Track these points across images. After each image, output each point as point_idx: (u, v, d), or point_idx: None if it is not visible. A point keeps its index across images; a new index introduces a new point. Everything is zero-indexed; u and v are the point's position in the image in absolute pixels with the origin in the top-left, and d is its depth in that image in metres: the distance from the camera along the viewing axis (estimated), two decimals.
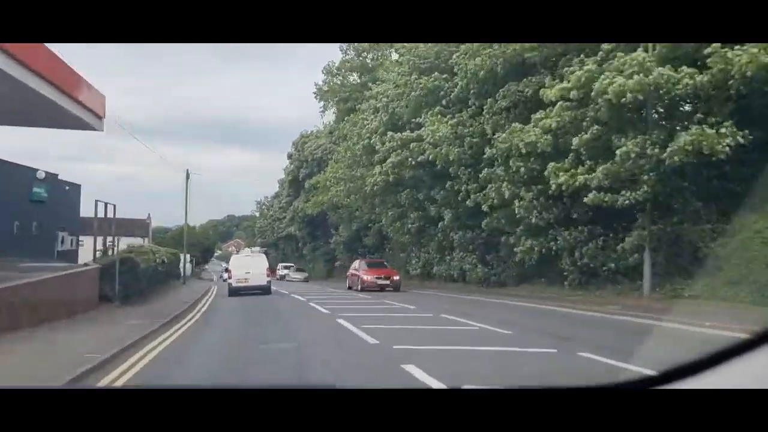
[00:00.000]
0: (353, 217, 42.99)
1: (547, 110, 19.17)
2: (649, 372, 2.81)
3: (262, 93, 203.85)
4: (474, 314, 14.72)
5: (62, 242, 30.43)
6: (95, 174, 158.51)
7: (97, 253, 21.68)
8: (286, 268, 55.75)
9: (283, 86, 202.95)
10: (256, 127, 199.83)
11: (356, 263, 31.22)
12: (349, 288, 29.55)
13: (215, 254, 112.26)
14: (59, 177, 30.86)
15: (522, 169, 20.80)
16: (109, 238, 22.77)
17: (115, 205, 20.72)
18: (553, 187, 18.69)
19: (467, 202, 25.31)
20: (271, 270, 41.53)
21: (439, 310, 16.27)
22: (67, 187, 31.46)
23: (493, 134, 22.82)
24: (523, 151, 19.86)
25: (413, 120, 28.74)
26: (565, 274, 21.26)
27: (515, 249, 23.01)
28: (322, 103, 53.20)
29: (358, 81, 47.84)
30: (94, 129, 18.36)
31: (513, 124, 20.86)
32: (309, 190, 50.19)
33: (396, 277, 27.70)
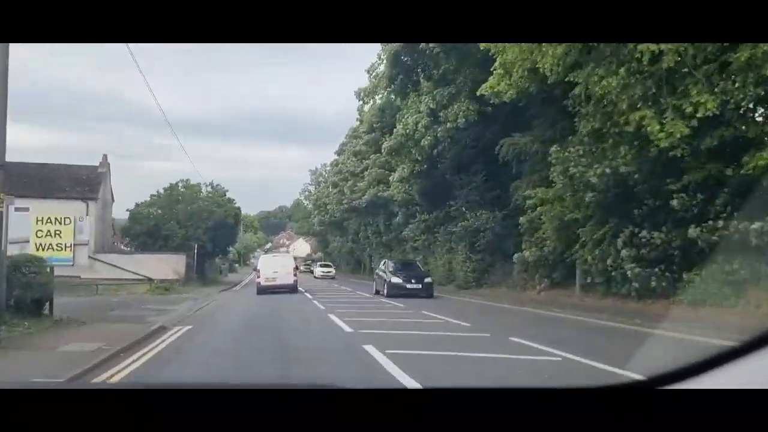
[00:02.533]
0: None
1: None
2: None
3: (313, 91, 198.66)
4: None
5: None
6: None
7: None
8: None
9: (337, 84, 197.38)
10: (311, 123, 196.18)
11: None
12: None
13: (267, 246, 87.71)
14: None
15: None
16: None
17: None
18: None
19: None
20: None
21: None
22: None
23: None
24: None
25: None
26: None
27: None
28: None
29: None
30: None
31: None
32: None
33: None
